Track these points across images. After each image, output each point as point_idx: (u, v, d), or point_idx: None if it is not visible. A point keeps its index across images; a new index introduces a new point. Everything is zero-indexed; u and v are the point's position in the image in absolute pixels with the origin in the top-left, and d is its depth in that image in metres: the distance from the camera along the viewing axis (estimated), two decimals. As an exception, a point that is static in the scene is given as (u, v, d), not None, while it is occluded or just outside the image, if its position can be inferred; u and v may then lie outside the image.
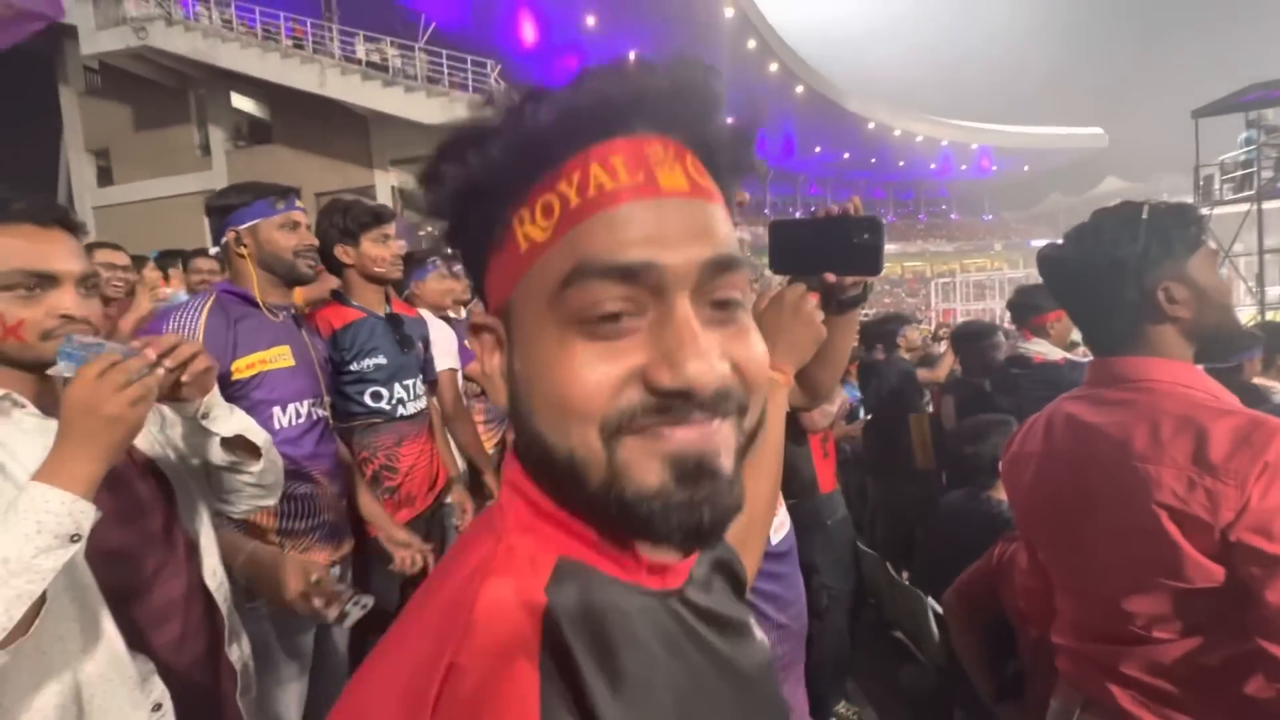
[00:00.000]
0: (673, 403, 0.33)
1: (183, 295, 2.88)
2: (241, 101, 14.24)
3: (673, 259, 0.32)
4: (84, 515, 0.73)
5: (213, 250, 1.59)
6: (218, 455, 1.01)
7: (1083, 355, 2.76)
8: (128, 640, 0.86)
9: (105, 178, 14.47)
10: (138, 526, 0.94)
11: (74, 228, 0.89)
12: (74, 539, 0.72)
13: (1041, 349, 2.43)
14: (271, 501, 1.17)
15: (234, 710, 1.03)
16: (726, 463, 0.33)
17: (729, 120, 0.37)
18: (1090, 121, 62.70)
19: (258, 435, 1.05)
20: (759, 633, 0.44)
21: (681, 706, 0.34)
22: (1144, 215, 0.96)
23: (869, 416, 3.34)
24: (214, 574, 1.03)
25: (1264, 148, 9.65)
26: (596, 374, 0.33)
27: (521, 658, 0.31)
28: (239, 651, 1.06)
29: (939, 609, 2.07)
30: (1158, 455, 0.87)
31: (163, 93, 13.63)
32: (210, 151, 13.94)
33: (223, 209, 1.51)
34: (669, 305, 0.33)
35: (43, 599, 0.71)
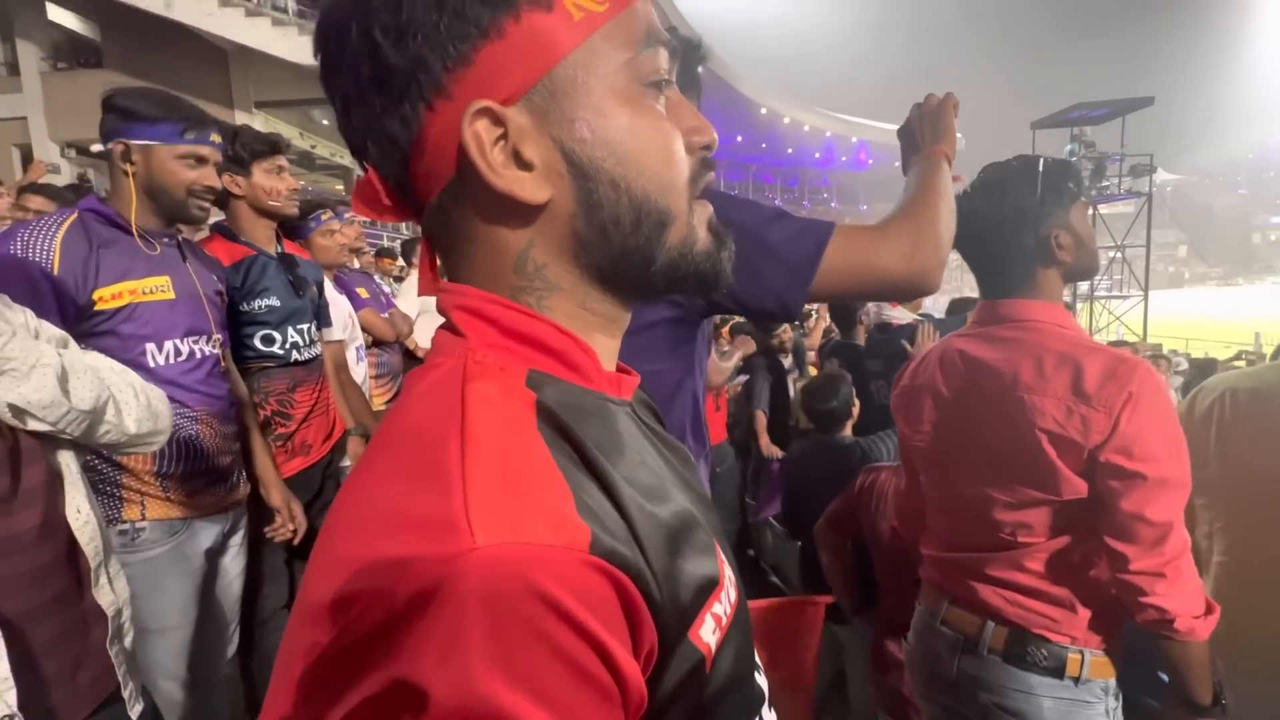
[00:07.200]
0: (708, 169, 0.39)
1: None
2: (61, 15, 12.04)
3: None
4: None
5: (96, 147, 1.35)
6: (4, 413, 0.87)
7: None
8: None
9: None
10: None
11: None
12: None
13: (898, 315, 2.88)
14: (144, 451, 1.09)
15: (100, 658, 0.94)
16: None
17: None
18: (949, 125, 69.16)
19: (53, 410, 0.90)
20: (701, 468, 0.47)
21: (664, 487, 0.36)
22: (1040, 169, 1.07)
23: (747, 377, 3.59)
24: (79, 511, 0.94)
25: (1082, 159, 11.29)
26: (676, 135, 0.37)
27: (524, 429, 0.32)
28: (110, 595, 0.97)
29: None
30: (1041, 387, 0.99)
31: (-49, -5, 11.27)
32: (19, 71, 11.73)
33: (122, 112, 1.30)
34: (671, 87, 0.38)
35: None
